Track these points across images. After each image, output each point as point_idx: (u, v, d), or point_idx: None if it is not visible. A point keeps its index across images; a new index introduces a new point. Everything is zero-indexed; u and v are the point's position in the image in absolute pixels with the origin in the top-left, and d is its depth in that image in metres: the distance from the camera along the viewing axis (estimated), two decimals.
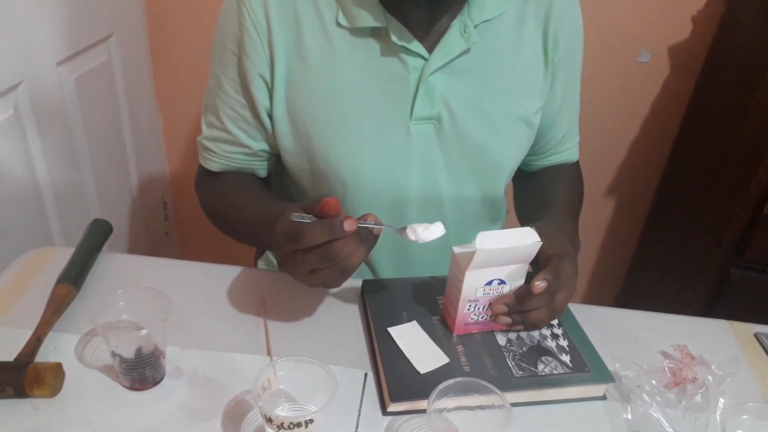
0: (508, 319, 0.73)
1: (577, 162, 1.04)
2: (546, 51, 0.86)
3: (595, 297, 1.96)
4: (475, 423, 0.63)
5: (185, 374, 0.70)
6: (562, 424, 0.68)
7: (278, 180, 1.02)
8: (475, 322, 0.74)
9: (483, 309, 0.73)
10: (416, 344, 0.72)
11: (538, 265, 0.73)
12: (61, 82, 1.27)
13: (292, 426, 0.56)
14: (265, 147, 0.89)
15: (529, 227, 0.70)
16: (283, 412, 0.63)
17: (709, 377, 0.72)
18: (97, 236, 0.86)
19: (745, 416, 0.60)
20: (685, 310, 0.88)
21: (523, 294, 0.71)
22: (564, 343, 0.74)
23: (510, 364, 0.70)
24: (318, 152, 0.84)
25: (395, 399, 0.65)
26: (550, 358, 0.71)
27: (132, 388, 0.67)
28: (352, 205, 0.88)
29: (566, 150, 1.00)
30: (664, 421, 0.67)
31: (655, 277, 1.68)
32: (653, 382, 0.72)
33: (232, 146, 0.88)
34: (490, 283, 0.71)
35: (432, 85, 0.80)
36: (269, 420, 0.57)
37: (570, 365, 0.71)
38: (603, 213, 1.82)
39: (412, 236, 0.67)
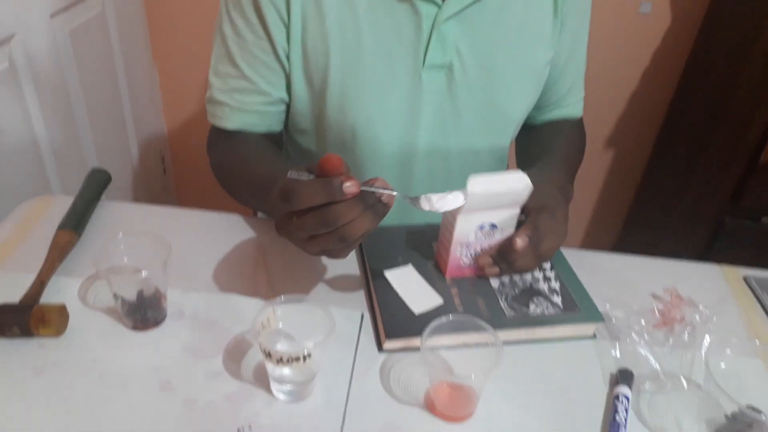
0: (495, 269, 0.75)
1: (581, 118, 1.04)
2: (555, 0, 0.86)
3: (593, 244, 1.98)
4: (466, 359, 0.65)
5: (186, 316, 0.72)
6: (552, 361, 0.70)
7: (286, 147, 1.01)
8: (468, 265, 0.75)
9: (474, 252, 0.74)
10: (411, 286, 0.74)
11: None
12: (56, 35, 1.26)
13: (290, 360, 0.58)
14: (284, 95, 0.87)
15: (520, 171, 0.70)
16: (282, 348, 0.65)
17: (697, 317, 0.74)
18: (96, 185, 0.87)
19: (729, 351, 0.62)
20: (680, 257, 0.89)
21: (506, 247, 0.72)
22: (556, 285, 0.76)
23: (502, 305, 0.72)
24: (330, 99, 0.83)
25: (390, 336, 0.67)
26: (541, 299, 0.73)
27: (134, 328, 0.69)
28: (361, 159, 0.89)
29: (570, 104, 1.00)
30: (652, 358, 0.70)
31: (652, 225, 1.70)
32: (642, 322, 0.74)
33: (250, 95, 0.85)
34: (482, 227, 0.72)
35: (444, 33, 0.80)
36: (268, 355, 0.58)
37: (561, 306, 0.72)
38: (602, 162, 1.82)
39: (426, 206, 0.63)
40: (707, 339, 0.71)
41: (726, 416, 0.57)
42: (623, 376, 0.67)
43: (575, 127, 1.02)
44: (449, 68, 0.83)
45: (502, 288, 0.75)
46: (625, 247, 1.86)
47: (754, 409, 0.56)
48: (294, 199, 0.57)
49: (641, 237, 1.76)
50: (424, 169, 0.92)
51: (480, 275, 0.76)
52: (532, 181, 0.70)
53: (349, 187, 0.55)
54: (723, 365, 0.62)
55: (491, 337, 0.62)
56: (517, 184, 0.69)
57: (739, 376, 0.61)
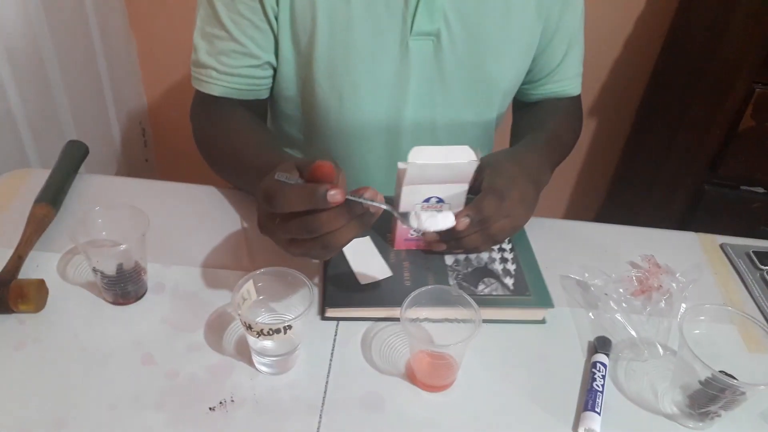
0: (442, 245, 0.75)
1: (578, 97, 1.01)
2: None
3: (576, 213, 2.00)
4: (446, 329, 0.65)
5: (167, 289, 0.71)
6: (530, 331, 0.71)
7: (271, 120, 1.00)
8: (415, 238, 0.75)
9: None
10: (364, 258, 0.74)
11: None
12: (27, 4, 1.23)
13: (271, 332, 0.58)
14: (272, 59, 0.84)
15: (467, 146, 0.69)
16: (263, 320, 0.65)
17: (674, 284, 0.75)
18: (72, 157, 0.86)
19: (703, 317, 0.63)
20: (659, 225, 0.90)
21: None
22: (511, 267, 0.75)
23: (450, 283, 0.72)
24: (316, 63, 0.82)
25: (331, 305, 0.68)
26: (492, 280, 0.72)
27: (115, 302, 0.69)
28: (347, 130, 0.88)
29: (564, 80, 0.97)
30: (628, 326, 0.71)
31: (634, 194, 1.71)
32: (620, 290, 0.75)
33: (238, 58, 0.82)
34: (428, 200, 0.71)
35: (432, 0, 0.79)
36: (249, 327, 0.59)
37: (511, 288, 0.72)
38: (585, 131, 1.82)
39: (414, 223, 0.62)
40: (683, 307, 0.72)
41: (700, 382, 0.58)
42: (601, 344, 0.68)
43: (569, 107, 0.99)
44: (437, 36, 0.82)
45: (456, 265, 0.74)
46: (607, 217, 1.87)
47: (727, 374, 0.57)
48: (277, 202, 0.56)
49: (623, 207, 1.78)
50: (410, 142, 0.91)
51: (428, 250, 0.76)
52: (493, 161, 0.70)
53: (334, 195, 0.54)
54: (697, 331, 0.63)
55: (468, 313, 0.62)
56: (462, 158, 0.68)
57: (713, 343, 0.63)
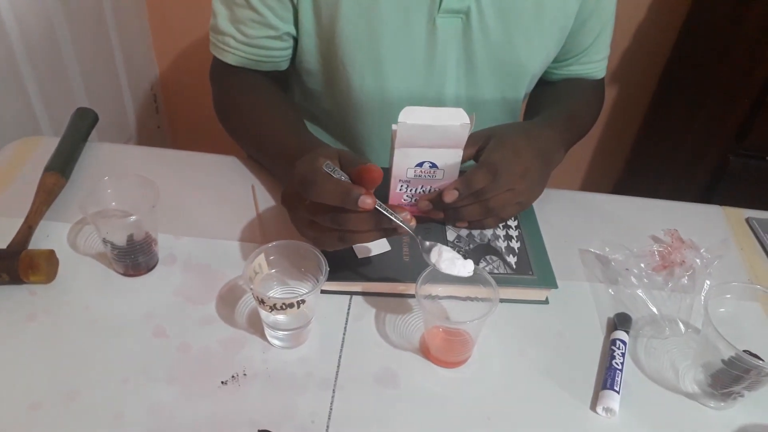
0: (439, 213, 0.73)
1: (602, 80, 0.97)
2: None
3: (594, 184, 1.96)
4: (462, 305, 0.64)
5: (179, 261, 0.70)
6: (548, 307, 0.69)
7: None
8: (408, 204, 0.73)
9: (416, 191, 0.72)
10: None
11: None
12: None
13: (284, 307, 0.57)
14: (292, 29, 0.81)
15: (460, 108, 0.66)
16: (275, 294, 0.64)
17: (697, 260, 0.73)
18: (82, 125, 0.84)
19: (728, 295, 0.61)
20: (683, 197, 0.87)
21: (442, 194, 0.69)
22: (516, 245, 0.72)
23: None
24: (339, 38, 0.79)
25: (329, 278, 0.65)
26: (494, 258, 0.70)
27: (126, 274, 0.68)
28: (368, 107, 0.86)
29: (591, 63, 0.93)
30: (649, 302, 0.69)
31: (655, 164, 1.67)
32: (642, 265, 0.73)
33: (257, 28, 0.80)
34: (421, 164, 0.69)
35: None
36: (262, 302, 0.58)
37: (513, 267, 0.69)
38: (606, 100, 1.77)
39: (434, 258, 0.60)
40: (707, 284, 0.70)
41: (723, 361, 0.57)
42: (621, 321, 0.67)
43: (592, 89, 0.95)
44: (466, 14, 0.78)
45: (458, 242, 0.72)
46: (626, 189, 1.84)
47: (751, 354, 0.56)
48: (312, 190, 0.57)
49: (643, 178, 1.74)
50: None
51: (423, 217, 0.73)
52: (499, 133, 0.68)
53: (364, 200, 0.55)
54: (722, 309, 0.61)
55: (488, 290, 0.60)
56: (454, 120, 0.65)
57: (737, 321, 0.61)
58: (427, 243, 0.61)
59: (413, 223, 0.58)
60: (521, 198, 0.71)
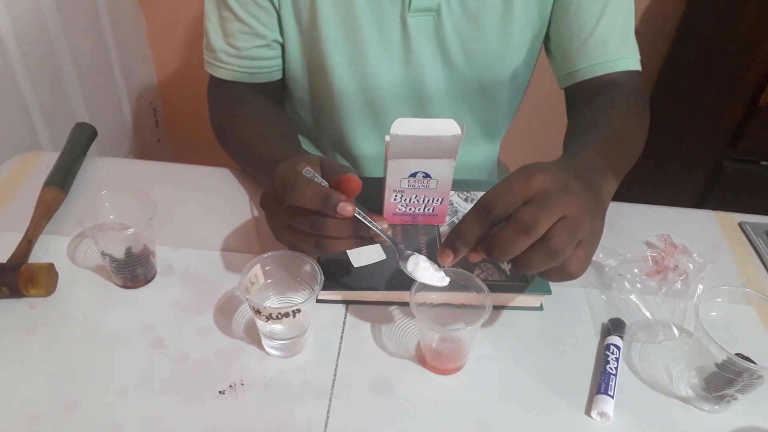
0: (479, 255, 0.58)
1: (636, 75, 0.85)
2: None
3: None
4: (457, 312, 0.65)
5: (176, 272, 0.71)
6: (542, 313, 0.70)
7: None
8: (403, 213, 0.74)
9: (410, 201, 0.73)
10: None
11: None
12: None
13: (280, 316, 0.58)
14: (279, 37, 0.83)
15: (452, 119, 0.67)
16: (271, 304, 0.65)
17: (690, 265, 0.73)
18: (81, 140, 0.85)
19: (720, 299, 0.62)
20: (677, 202, 0.88)
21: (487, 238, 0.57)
22: None
23: (444, 267, 0.69)
24: (319, 42, 0.81)
25: (323, 288, 0.65)
26: (489, 265, 0.70)
27: (124, 286, 0.69)
28: (348, 107, 0.87)
29: (607, 50, 0.82)
30: (643, 307, 0.69)
31: (649, 169, 1.68)
32: (635, 270, 0.73)
33: (245, 38, 0.82)
34: (414, 175, 0.70)
35: None
36: (258, 312, 0.58)
37: (508, 273, 0.70)
38: None
39: (410, 267, 0.59)
40: (700, 288, 0.70)
41: (716, 365, 0.57)
42: (615, 326, 0.67)
43: (627, 93, 0.82)
44: (437, 12, 0.80)
45: None
46: (620, 194, 1.84)
47: (744, 357, 0.56)
48: (291, 193, 0.57)
49: (638, 184, 1.74)
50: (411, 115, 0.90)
51: (413, 223, 0.74)
52: (537, 169, 0.55)
53: (344, 207, 0.55)
54: (714, 313, 0.61)
55: (480, 296, 0.61)
56: (445, 131, 0.66)
57: (730, 325, 0.61)
58: (406, 252, 0.61)
59: (390, 232, 0.58)
60: (579, 228, 0.53)
